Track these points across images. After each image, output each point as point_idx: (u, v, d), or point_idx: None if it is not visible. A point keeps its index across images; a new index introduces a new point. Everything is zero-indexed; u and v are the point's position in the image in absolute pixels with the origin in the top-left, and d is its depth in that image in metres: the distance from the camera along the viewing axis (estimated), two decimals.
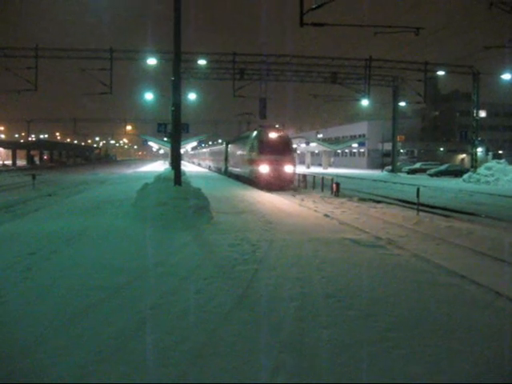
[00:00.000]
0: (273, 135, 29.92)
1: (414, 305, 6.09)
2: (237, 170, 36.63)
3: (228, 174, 41.57)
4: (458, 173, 49.35)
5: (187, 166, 62.23)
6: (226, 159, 43.23)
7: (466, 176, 41.24)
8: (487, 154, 63.51)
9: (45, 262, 8.22)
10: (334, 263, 8.33)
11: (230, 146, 42.18)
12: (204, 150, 74.91)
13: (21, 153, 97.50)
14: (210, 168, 60.55)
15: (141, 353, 4.63)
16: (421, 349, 4.73)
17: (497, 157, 60.00)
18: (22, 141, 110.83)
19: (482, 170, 40.25)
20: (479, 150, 49.83)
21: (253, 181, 29.72)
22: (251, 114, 50.13)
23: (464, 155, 75.14)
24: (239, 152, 35.61)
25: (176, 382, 4.05)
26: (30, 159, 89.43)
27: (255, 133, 31.19)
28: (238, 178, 35.11)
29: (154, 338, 4.98)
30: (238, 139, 39.47)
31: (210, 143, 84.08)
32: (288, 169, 29.02)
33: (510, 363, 4.49)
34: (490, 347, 4.81)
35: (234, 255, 8.84)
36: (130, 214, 13.52)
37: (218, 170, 49.30)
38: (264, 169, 28.60)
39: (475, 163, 44.43)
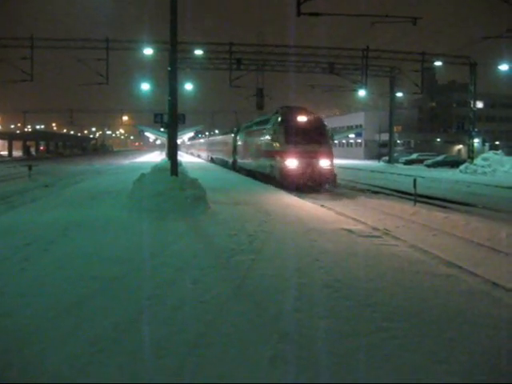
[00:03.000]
0: (302, 118, 23.25)
1: (411, 295, 6.08)
2: (250, 163, 29.65)
3: (237, 168, 34.49)
4: (454, 164, 49.39)
5: (184, 157, 61.93)
6: (235, 150, 36.13)
7: (462, 167, 41.31)
8: (484, 145, 63.65)
9: (41, 252, 8.18)
10: (332, 254, 8.31)
11: (240, 133, 34.84)
12: (204, 139, 69.86)
13: (17, 144, 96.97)
14: (212, 160, 53.20)
15: (137, 343, 4.61)
16: (418, 339, 4.72)
17: (494, 148, 60.04)
18: (18, 131, 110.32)
19: (478, 160, 40.34)
20: (476, 140, 49.92)
21: (274, 178, 23.09)
22: (266, 96, 40.99)
23: (461, 146, 75.13)
24: (254, 141, 28.61)
25: (173, 373, 4.04)
26: (26, 150, 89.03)
27: (278, 115, 24.45)
28: (252, 173, 28.42)
29: (150, 328, 4.96)
30: (253, 125, 31.56)
31: (207, 134, 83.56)
32: (324, 163, 22.13)
33: (506, 353, 4.49)
34: (486, 337, 4.81)
35: (231, 245, 8.81)
36: (126, 204, 13.48)
37: (224, 163, 41.79)
38: (291, 163, 21.81)
39: (472, 154, 44.49)
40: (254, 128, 29.85)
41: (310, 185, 21.99)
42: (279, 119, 23.69)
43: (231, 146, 37.40)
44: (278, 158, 22.55)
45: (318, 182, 22.28)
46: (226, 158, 41.39)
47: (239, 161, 34.30)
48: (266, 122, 26.85)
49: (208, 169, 35.40)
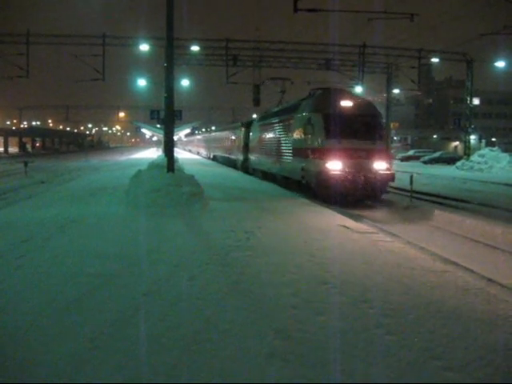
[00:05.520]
0: (347, 103, 17.25)
1: (408, 291, 6.10)
2: (269, 164, 23.49)
3: (250, 169, 28.75)
4: (451, 160, 49.60)
5: (182, 154, 61.65)
6: (247, 147, 29.87)
7: (459, 163, 41.46)
8: (480, 142, 63.76)
9: (38, 249, 8.17)
10: (328, 250, 8.33)
11: (254, 126, 28.50)
12: (205, 134, 65.22)
13: (13, 140, 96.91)
14: (214, 158, 47.30)
15: (134, 340, 4.62)
16: (414, 335, 4.74)
17: (490, 144, 60.20)
18: (14, 128, 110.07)
19: (475, 157, 40.49)
20: (472, 137, 49.96)
21: (307, 186, 17.45)
22: (287, 80, 31.97)
23: (457, 142, 75.35)
24: (277, 135, 22.34)
25: (170, 369, 4.04)
26: (22, 146, 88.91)
27: (313, 100, 18.59)
28: (272, 177, 22.73)
29: (147, 325, 4.97)
30: (274, 114, 24.44)
31: (204, 130, 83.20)
32: (380, 166, 16.48)
33: (502, 348, 4.51)
34: (482, 333, 4.83)
35: (228, 242, 8.82)
36: (123, 201, 13.49)
37: (231, 163, 35.37)
38: (334, 166, 16.07)
39: (468, 150, 44.54)
40: (276, 118, 22.90)
41: (358, 195, 16.44)
42: (315, 105, 17.83)
43: (241, 141, 31.19)
44: (315, 159, 16.68)
45: (372, 193, 16.58)
46: (233, 157, 35.31)
47: (253, 160, 28.10)
48: (293, 109, 20.29)
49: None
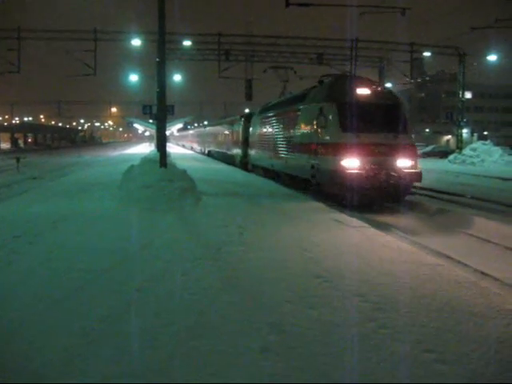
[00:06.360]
0: (364, 91, 14.97)
1: (401, 284, 6.12)
2: (272, 160, 21.10)
3: (250, 166, 26.77)
4: (443, 154, 49.78)
5: (173, 149, 61.39)
6: (246, 142, 27.63)
7: (451, 157, 41.63)
8: (472, 135, 64.03)
9: (30, 245, 8.14)
10: (322, 244, 8.34)
11: (255, 118, 26.02)
12: (199, 129, 63.35)
13: (5, 136, 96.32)
14: (210, 154, 45.44)
15: (128, 335, 4.61)
16: (407, 328, 4.76)
17: (482, 138, 60.42)
18: (5, 124, 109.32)
19: (467, 151, 40.67)
20: (464, 131, 50.16)
21: (318, 186, 15.43)
22: (291, 69, 29.26)
23: (449, 136, 75.54)
24: (281, 129, 20.01)
25: (164, 365, 4.03)
26: (14, 142, 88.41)
27: (325, 88, 16.39)
28: (275, 175, 20.73)
29: (140, 320, 4.96)
30: (279, 105, 22.16)
31: (196, 125, 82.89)
32: (403, 163, 14.16)
33: (494, 342, 4.53)
34: (474, 326, 4.85)
35: (221, 237, 8.81)
36: (115, 196, 13.44)
37: (228, 159, 33.18)
38: (351, 163, 13.81)
39: (460, 144, 44.69)
40: (281, 109, 20.70)
41: (380, 196, 14.22)
42: (328, 93, 15.50)
43: (240, 136, 29.13)
44: (328, 156, 14.46)
45: (394, 194, 14.16)
46: (230, 153, 33.14)
47: (253, 156, 25.85)
48: (301, 99, 17.95)
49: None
